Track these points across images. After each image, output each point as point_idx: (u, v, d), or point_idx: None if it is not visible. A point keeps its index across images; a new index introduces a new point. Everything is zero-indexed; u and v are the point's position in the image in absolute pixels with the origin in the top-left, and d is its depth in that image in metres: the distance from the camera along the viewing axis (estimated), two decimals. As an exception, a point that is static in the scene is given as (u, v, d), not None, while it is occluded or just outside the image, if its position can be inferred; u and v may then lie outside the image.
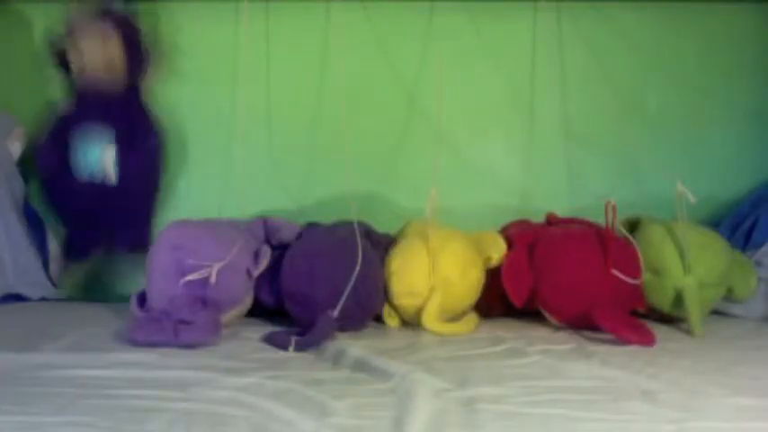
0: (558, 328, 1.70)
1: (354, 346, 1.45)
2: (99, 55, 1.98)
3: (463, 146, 2.19)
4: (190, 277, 1.56)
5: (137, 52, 2.05)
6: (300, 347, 1.46)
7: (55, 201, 2.08)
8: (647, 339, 1.52)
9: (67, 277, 2.14)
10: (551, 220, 1.92)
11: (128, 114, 2.03)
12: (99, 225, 2.03)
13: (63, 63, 2.05)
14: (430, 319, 1.62)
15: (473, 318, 1.72)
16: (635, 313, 1.71)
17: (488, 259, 1.75)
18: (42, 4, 2.19)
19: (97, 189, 1.99)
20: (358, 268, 1.61)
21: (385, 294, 1.72)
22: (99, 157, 1.97)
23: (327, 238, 1.73)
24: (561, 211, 1.97)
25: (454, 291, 1.68)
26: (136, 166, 1.99)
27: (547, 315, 1.73)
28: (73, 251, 2.07)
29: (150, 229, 2.11)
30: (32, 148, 2.08)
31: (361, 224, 1.76)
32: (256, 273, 1.69)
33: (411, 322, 1.72)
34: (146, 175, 1.89)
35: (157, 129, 2.08)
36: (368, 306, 1.68)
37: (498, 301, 1.78)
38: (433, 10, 2.17)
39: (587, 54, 2.16)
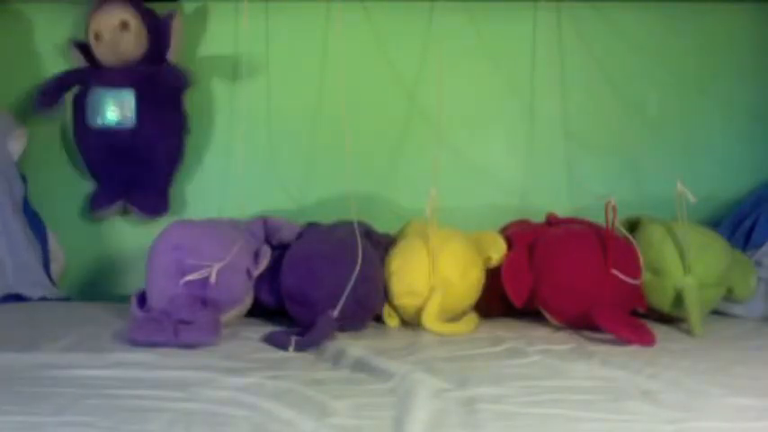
0: (558, 328, 1.70)
1: (354, 346, 1.45)
2: (114, 20, 1.98)
3: (463, 146, 2.19)
4: (190, 277, 1.56)
5: (154, 21, 2.05)
6: (300, 347, 1.46)
7: (79, 148, 2.10)
8: (647, 339, 1.52)
9: (67, 277, 2.15)
10: (551, 220, 1.91)
11: (150, 72, 2.03)
12: (120, 177, 2.04)
13: (83, 51, 2.07)
14: (430, 319, 1.62)
15: (473, 318, 1.72)
16: (635, 313, 1.71)
17: (488, 259, 1.75)
18: (42, 4, 2.19)
19: (117, 137, 2.00)
20: (358, 268, 1.61)
21: (385, 294, 1.72)
22: (117, 104, 1.98)
23: (327, 238, 1.73)
24: (561, 211, 1.97)
25: (454, 291, 1.67)
26: (158, 119, 1.99)
27: (547, 315, 1.73)
28: (95, 202, 2.10)
29: (167, 195, 2.12)
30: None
31: (361, 224, 1.76)
32: (256, 273, 1.69)
33: (411, 322, 1.72)
34: (168, 130, 1.86)
35: (184, 79, 2.07)
36: (368, 306, 1.68)
37: (498, 301, 1.78)
38: (433, 10, 2.17)
39: (587, 54, 2.16)
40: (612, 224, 1.66)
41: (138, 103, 1.99)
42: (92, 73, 2.05)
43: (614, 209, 1.65)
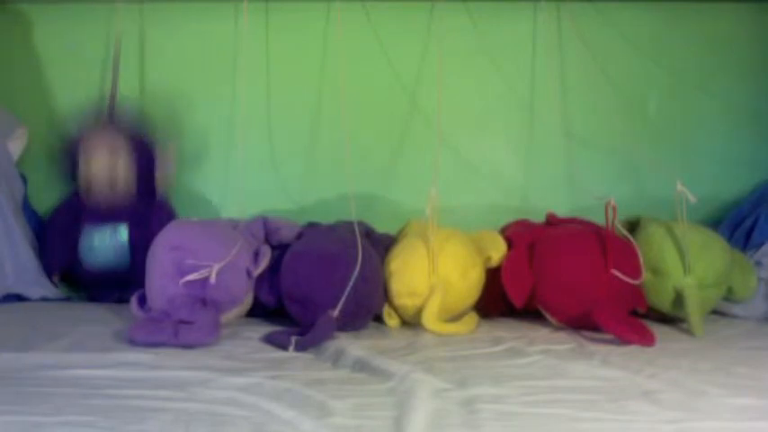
0: (558, 328, 1.70)
1: (354, 346, 1.45)
2: (105, 170, 1.97)
3: (463, 146, 2.19)
4: (189, 277, 1.56)
5: (147, 164, 2.02)
6: (300, 347, 1.46)
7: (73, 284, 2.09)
8: (647, 339, 1.52)
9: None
10: (551, 220, 1.92)
11: (140, 210, 2.02)
12: (112, 295, 2.00)
13: (74, 167, 2.03)
14: (430, 319, 1.62)
15: (473, 318, 1.72)
16: (635, 313, 1.71)
17: (488, 259, 1.75)
18: (42, 4, 2.19)
19: (110, 274, 1.98)
20: (358, 268, 1.61)
21: (385, 294, 1.72)
22: (110, 244, 1.97)
23: (327, 237, 1.73)
24: (561, 211, 1.97)
25: (454, 291, 1.67)
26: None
27: (547, 315, 1.73)
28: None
29: None
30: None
31: (361, 224, 1.76)
32: (256, 273, 1.69)
33: (411, 322, 1.72)
34: None
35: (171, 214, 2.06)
36: (368, 306, 1.68)
37: (498, 301, 1.78)
38: (433, 10, 2.18)
39: (587, 54, 2.16)
40: (612, 224, 1.66)
41: (131, 238, 1.97)
42: (82, 207, 2.01)
43: (614, 209, 1.65)
